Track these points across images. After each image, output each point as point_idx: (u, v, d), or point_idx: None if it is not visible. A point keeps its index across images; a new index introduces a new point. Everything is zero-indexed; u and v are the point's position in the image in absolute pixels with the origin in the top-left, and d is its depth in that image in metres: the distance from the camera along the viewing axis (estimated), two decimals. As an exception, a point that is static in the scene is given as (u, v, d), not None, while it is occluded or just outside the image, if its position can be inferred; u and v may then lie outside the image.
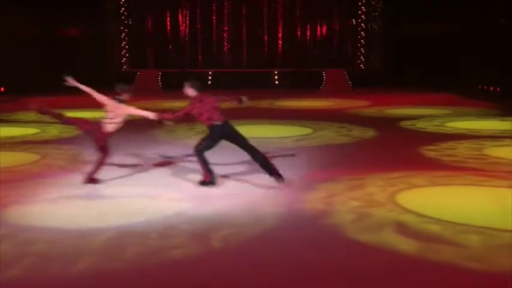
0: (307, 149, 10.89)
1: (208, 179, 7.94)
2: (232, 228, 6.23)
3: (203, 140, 7.96)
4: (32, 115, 15.57)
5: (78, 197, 7.48)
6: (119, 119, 7.82)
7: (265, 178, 7.99)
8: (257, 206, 7.03)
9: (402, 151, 10.60)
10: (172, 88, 23.20)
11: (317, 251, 5.66)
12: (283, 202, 7.19)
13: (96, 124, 7.88)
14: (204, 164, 7.91)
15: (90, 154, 10.19)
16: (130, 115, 7.95)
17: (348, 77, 24.85)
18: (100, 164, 7.92)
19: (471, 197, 7.57)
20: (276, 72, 25.68)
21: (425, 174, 8.58)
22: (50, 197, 7.46)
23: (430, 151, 10.46)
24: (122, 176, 8.53)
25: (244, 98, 8.13)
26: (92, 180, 7.93)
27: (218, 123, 7.82)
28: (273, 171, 7.87)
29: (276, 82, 25.48)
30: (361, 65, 26.62)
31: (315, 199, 7.32)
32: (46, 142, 11.63)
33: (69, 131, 12.77)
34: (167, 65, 25.70)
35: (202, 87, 7.99)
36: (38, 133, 12.79)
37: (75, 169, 8.97)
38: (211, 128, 7.86)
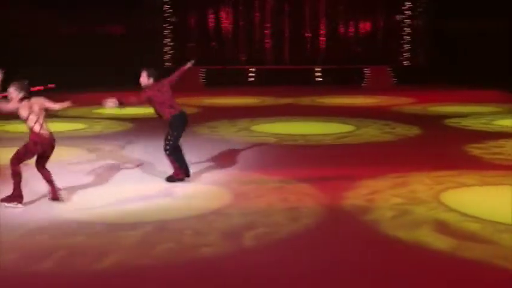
0: (350, 146, 10.71)
1: (179, 176, 7.86)
2: (267, 226, 6.11)
3: (167, 137, 7.72)
4: (81, 110, 15.79)
5: (118, 192, 7.47)
6: (34, 116, 6.67)
7: (306, 175, 7.80)
8: (295, 204, 6.91)
9: (447, 149, 10.32)
10: (216, 84, 23.44)
11: (351, 247, 5.60)
12: (322, 199, 7.05)
13: (33, 135, 6.75)
14: (176, 160, 7.82)
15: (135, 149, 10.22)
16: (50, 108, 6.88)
17: (391, 74, 24.44)
18: (52, 179, 6.99)
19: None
20: (318, 69, 25.42)
21: (471, 172, 8.32)
22: (90, 191, 7.49)
23: (476, 149, 10.14)
24: (158, 174, 8.48)
25: (189, 63, 8.41)
26: (57, 198, 6.99)
27: (177, 113, 7.76)
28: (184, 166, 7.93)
29: (318, 79, 25.22)
30: (406, 62, 26.13)
31: (356, 196, 7.19)
32: (95, 137, 11.71)
33: (113, 127, 12.86)
34: (210, 61, 25.70)
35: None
36: (85, 128, 12.89)
37: (121, 164, 8.98)
38: (172, 119, 7.71)
